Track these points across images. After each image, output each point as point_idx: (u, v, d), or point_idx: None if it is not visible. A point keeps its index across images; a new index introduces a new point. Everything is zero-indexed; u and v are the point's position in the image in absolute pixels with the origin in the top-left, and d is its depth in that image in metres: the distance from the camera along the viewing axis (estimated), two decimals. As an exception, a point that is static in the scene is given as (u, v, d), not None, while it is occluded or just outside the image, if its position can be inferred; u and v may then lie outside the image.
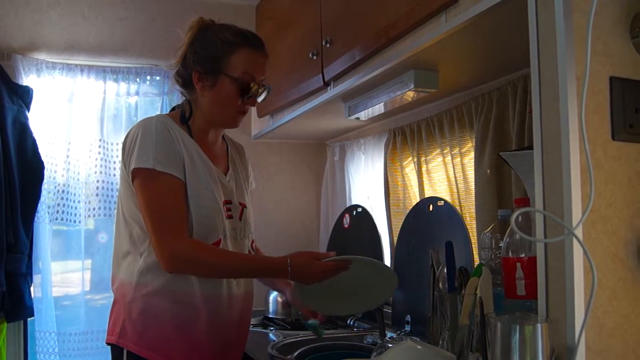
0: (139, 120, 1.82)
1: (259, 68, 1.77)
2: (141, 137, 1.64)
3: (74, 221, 2.82)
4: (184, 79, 1.78)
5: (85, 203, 2.84)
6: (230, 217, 1.76)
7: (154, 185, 1.63)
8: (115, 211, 1.83)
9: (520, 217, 1.40)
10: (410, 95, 2.01)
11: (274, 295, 2.68)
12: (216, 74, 1.72)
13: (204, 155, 1.73)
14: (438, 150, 2.33)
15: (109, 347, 1.72)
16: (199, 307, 1.67)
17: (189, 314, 1.67)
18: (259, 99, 1.81)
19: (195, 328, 1.68)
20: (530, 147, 1.27)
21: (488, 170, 1.97)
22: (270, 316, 2.70)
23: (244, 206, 1.83)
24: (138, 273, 1.67)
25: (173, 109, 1.87)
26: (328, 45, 2.14)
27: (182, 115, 1.76)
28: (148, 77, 2.94)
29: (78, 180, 2.83)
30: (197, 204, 1.66)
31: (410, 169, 2.56)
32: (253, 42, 1.78)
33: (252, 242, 1.87)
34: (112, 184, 2.84)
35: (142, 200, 1.64)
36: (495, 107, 1.97)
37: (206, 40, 1.75)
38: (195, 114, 1.77)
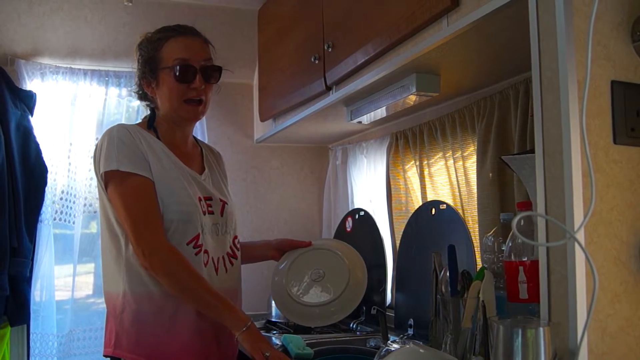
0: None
1: (190, 50, 1.78)
2: (106, 144, 1.69)
3: (77, 225, 2.82)
4: (140, 93, 1.87)
5: (88, 207, 2.85)
6: (211, 212, 1.79)
7: (122, 185, 1.67)
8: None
9: (522, 221, 1.40)
10: (412, 99, 2.01)
11: (276, 298, 2.68)
12: (156, 73, 1.79)
13: (173, 155, 1.77)
14: (440, 154, 2.34)
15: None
16: (186, 309, 1.68)
17: (178, 316, 1.69)
18: (210, 80, 1.79)
19: (186, 330, 1.69)
20: (532, 151, 1.27)
21: (490, 174, 1.97)
22: (272, 320, 2.70)
23: (224, 202, 1.85)
24: (123, 283, 1.69)
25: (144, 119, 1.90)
26: (330, 50, 2.15)
27: (148, 122, 1.83)
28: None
29: (80, 183, 2.84)
30: (171, 201, 1.68)
31: (412, 173, 2.56)
32: (178, 30, 1.82)
33: (235, 238, 1.88)
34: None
35: (115, 203, 1.68)
36: (497, 110, 1.97)
37: (141, 49, 1.83)
38: (158, 119, 1.83)
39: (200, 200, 1.75)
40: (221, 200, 1.84)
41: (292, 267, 1.94)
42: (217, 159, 2.01)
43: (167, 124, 1.82)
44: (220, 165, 2.01)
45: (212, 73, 1.80)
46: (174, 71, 1.75)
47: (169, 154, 1.76)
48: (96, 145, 1.74)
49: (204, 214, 1.75)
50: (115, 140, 1.68)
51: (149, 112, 1.87)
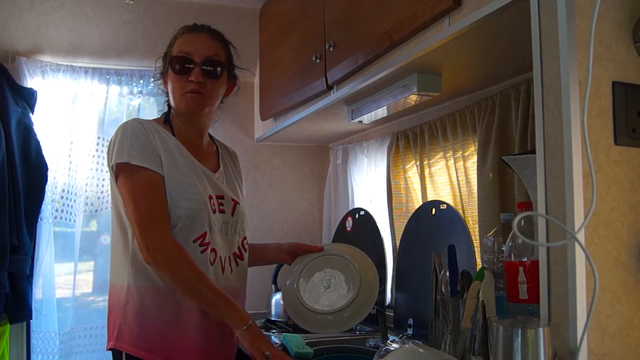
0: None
1: (192, 44, 1.80)
2: (119, 137, 1.71)
3: (77, 223, 2.82)
4: (165, 91, 1.89)
5: (89, 205, 2.85)
6: (222, 211, 1.79)
7: (131, 178, 1.68)
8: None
9: (522, 221, 1.40)
10: (413, 98, 2.01)
11: (276, 298, 2.68)
12: (166, 68, 1.83)
13: (186, 151, 1.77)
14: (441, 154, 2.34)
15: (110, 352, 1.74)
16: (189, 304, 1.69)
17: (181, 311, 1.69)
18: (209, 75, 1.78)
19: (189, 325, 1.69)
20: (533, 151, 1.27)
21: (491, 174, 1.97)
22: (272, 319, 2.70)
23: (236, 202, 1.85)
24: (128, 276, 1.70)
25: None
26: (331, 49, 2.15)
27: (165, 117, 1.84)
28: (151, 80, 2.95)
29: (81, 181, 2.84)
30: (179, 197, 1.69)
31: (413, 173, 2.56)
32: (188, 27, 1.85)
33: (244, 239, 1.88)
34: (115, 186, 2.86)
35: (123, 196, 1.69)
36: (498, 111, 1.97)
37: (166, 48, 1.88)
38: (172, 115, 1.85)
39: (210, 198, 1.76)
40: (233, 199, 1.84)
41: (304, 274, 1.93)
42: (233, 159, 2.01)
43: (180, 120, 1.83)
44: (236, 165, 2.01)
45: (213, 68, 1.79)
46: (173, 64, 1.78)
47: (182, 150, 1.76)
48: (111, 139, 1.75)
49: (214, 212, 1.75)
50: (128, 134, 1.69)
51: (167, 108, 1.88)
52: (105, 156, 2.81)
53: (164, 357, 1.67)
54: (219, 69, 1.80)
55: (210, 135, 1.96)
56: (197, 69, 1.76)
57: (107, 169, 2.80)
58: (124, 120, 2.88)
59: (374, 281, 1.91)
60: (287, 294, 1.94)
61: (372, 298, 1.88)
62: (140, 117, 2.89)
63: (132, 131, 1.70)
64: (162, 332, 1.68)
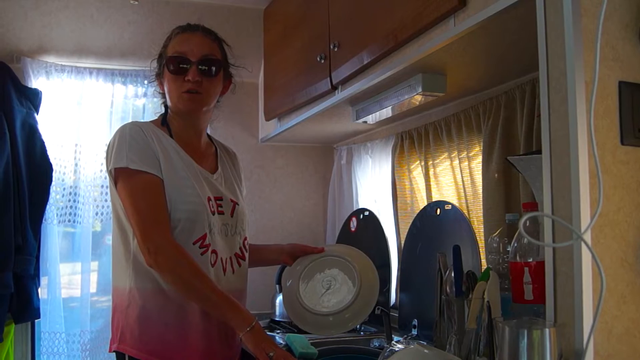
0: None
1: (187, 44, 1.80)
2: (117, 141, 1.70)
3: (82, 223, 2.83)
4: (161, 92, 1.89)
5: (93, 205, 2.85)
6: (221, 212, 1.79)
7: (131, 183, 1.68)
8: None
9: (528, 222, 1.40)
10: (417, 99, 2.01)
11: (280, 298, 2.68)
12: (162, 69, 1.83)
13: (184, 153, 1.77)
14: (445, 154, 2.33)
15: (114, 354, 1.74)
16: (190, 306, 1.69)
17: (182, 313, 1.69)
18: (205, 74, 1.78)
19: (190, 327, 1.69)
20: (539, 152, 1.27)
21: (496, 174, 1.96)
22: (276, 319, 2.70)
23: (235, 203, 1.84)
24: (129, 279, 1.70)
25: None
26: (336, 49, 2.15)
27: (162, 118, 1.84)
28: (148, 82, 2.96)
29: (86, 182, 2.84)
30: (178, 199, 1.69)
31: (417, 173, 2.55)
32: (182, 27, 1.85)
33: (245, 239, 1.88)
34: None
35: (123, 199, 1.69)
36: (503, 111, 1.96)
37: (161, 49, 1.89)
38: (169, 115, 1.84)
39: (209, 200, 1.75)
40: (232, 200, 1.84)
41: (304, 275, 1.93)
42: (232, 159, 2.01)
43: (177, 121, 1.83)
44: (235, 166, 2.00)
45: (209, 67, 1.78)
46: (169, 64, 1.78)
47: (180, 152, 1.76)
48: (109, 142, 1.75)
49: (213, 214, 1.75)
50: (127, 138, 1.69)
51: (163, 109, 1.88)
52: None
53: (166, 359, 1.68)
54: (214, 67, 1.80)
55: (209, 136, 1.96)
56: (194, 68, 1.76)
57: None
58: (130, 121, 2.92)
59: (375, 282, 1.91)
60: (288, 296, 1.94)
61: (372, 299, 1.88)
62: (145, 118, 2.90)
63: (130, 135, 1.70)
64: (163, 334, 1.68)
